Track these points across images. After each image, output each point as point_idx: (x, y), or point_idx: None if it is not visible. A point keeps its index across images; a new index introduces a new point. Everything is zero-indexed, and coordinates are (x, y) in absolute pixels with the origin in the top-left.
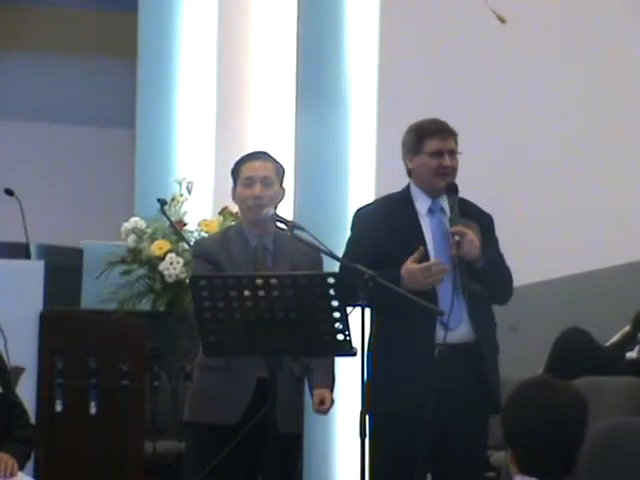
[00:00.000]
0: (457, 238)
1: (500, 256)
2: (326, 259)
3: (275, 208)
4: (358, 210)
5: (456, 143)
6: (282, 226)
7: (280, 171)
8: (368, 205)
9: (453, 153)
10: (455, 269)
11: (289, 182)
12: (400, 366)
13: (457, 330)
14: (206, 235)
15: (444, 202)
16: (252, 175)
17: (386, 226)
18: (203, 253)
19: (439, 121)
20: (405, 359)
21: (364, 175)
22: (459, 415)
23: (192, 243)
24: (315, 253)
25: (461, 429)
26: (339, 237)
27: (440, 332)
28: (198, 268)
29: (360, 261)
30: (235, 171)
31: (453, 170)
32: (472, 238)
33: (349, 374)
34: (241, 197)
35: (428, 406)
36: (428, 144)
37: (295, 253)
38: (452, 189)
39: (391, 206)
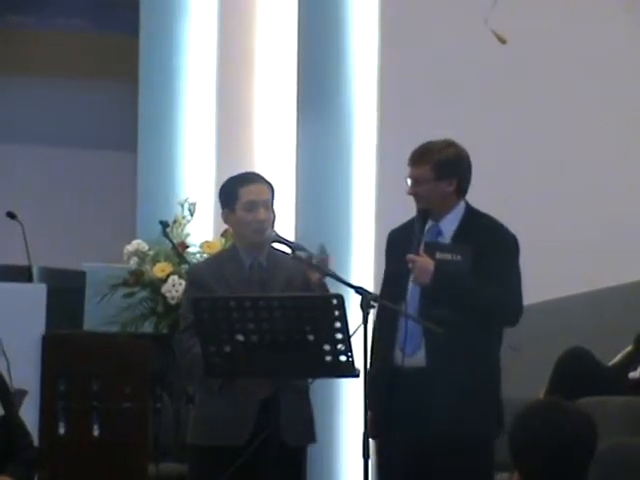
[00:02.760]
0: (410, 266)
1: (500, 279)
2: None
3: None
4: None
5: (429, 170)
6: (285, 248)
7: (273, 192)
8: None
9: (417, 181)
10: (408, 296)
11: (291, 201)
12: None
13: (414, 357)
14: (206, 256)
15: (445, 225)
16: (255, 199)
17: (393, 250)
18: (194, 279)
19: (415, 150)
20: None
21: (366, 194)
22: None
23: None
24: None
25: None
26: (341, 255)
27: (399, 356)
28: (188, 294)
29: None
30: (230, 194)
31: (416, 197)
32: (422, 265)
33: (354, 395)
34: (243, 221)
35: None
36: None
37: (290, 266)
38: (420, 215)
39: (409, 227)
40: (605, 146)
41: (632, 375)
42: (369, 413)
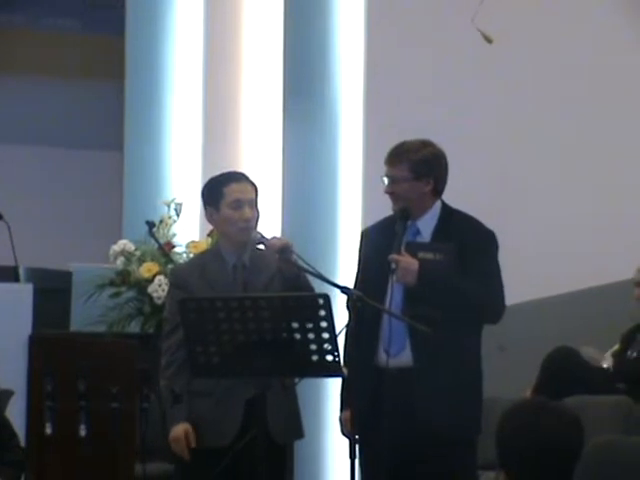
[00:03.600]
0: (393, 266)
1: (482, 276)
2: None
3: (256, 229)
4: (363, 230)
5: (407, 170)
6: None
7: (257, 192)
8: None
9: (394, 180)
10: (392, 296)
11: (277, 202)
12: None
13: (399, 357)
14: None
15: (423, 224)
16: (240, 198)
17: (372, 248)
18: (177, 281)
19: (392, 149)
20: (349, 382)
21: (352, 194)
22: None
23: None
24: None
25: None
26: (327, 255)
27: (383, 357)
28: (172, 296)
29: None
30: (215, 192)
31: (393, 196)
32: (405, 265)
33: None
34: (228, 219)
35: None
36: None
37: (272, 266)
38: (399, 214)
39: (387, 225)
40: (592, 147)
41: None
42: (345, 412)
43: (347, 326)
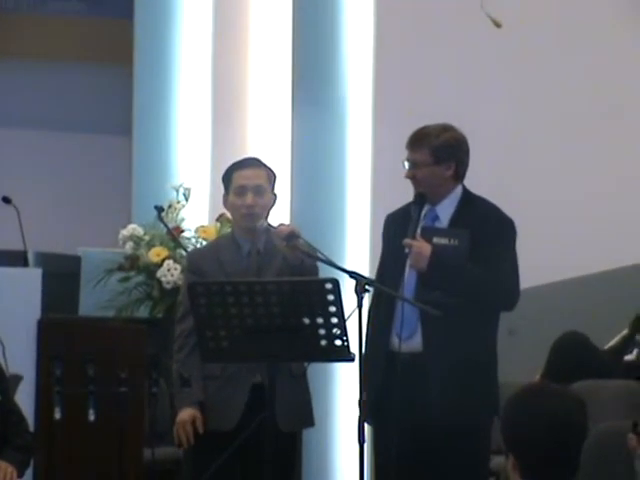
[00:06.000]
0: (407, 250)
1: (497, 264)
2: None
3: (268, 215)
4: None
5: (428, 154)
6: (278, 240)
7: (272, 177)
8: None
9: (415, 165)
10: (406, 280)
11: (285, 187)
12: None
13: (410, 342)
14: (203, 242)
15: (442, 209)
16: (244, 184)
17: (391, 233)
18: (191, 266)
19: (413, 134)
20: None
21: (361, 179)
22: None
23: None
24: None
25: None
26: (336, 242)
27: (395, 341)
28: (185, 280)
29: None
30: (226, 178)
31: (414, 180)
32: (418, 250)
33: (350, 379)
34: (233, 205)
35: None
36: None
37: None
38: (416, 200)
39: (408, 211)
40: (602, 128)
41: (628, 358)
42: (364, 395)
43: (368, 311)
